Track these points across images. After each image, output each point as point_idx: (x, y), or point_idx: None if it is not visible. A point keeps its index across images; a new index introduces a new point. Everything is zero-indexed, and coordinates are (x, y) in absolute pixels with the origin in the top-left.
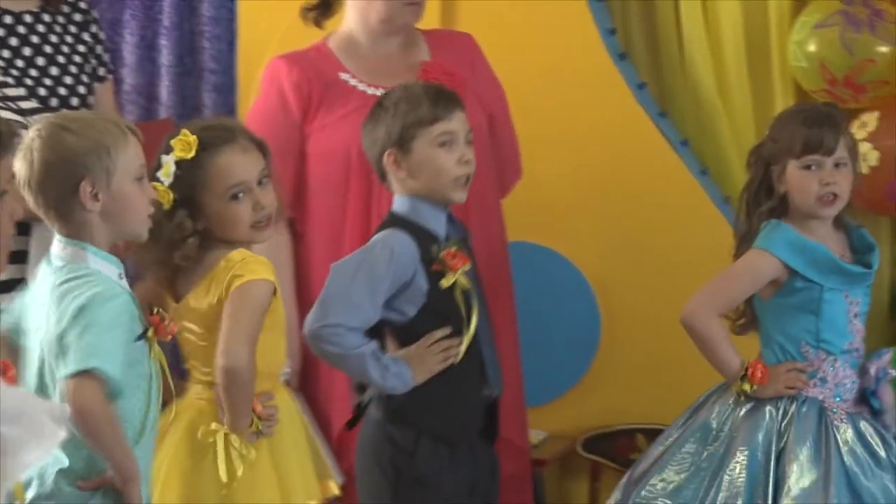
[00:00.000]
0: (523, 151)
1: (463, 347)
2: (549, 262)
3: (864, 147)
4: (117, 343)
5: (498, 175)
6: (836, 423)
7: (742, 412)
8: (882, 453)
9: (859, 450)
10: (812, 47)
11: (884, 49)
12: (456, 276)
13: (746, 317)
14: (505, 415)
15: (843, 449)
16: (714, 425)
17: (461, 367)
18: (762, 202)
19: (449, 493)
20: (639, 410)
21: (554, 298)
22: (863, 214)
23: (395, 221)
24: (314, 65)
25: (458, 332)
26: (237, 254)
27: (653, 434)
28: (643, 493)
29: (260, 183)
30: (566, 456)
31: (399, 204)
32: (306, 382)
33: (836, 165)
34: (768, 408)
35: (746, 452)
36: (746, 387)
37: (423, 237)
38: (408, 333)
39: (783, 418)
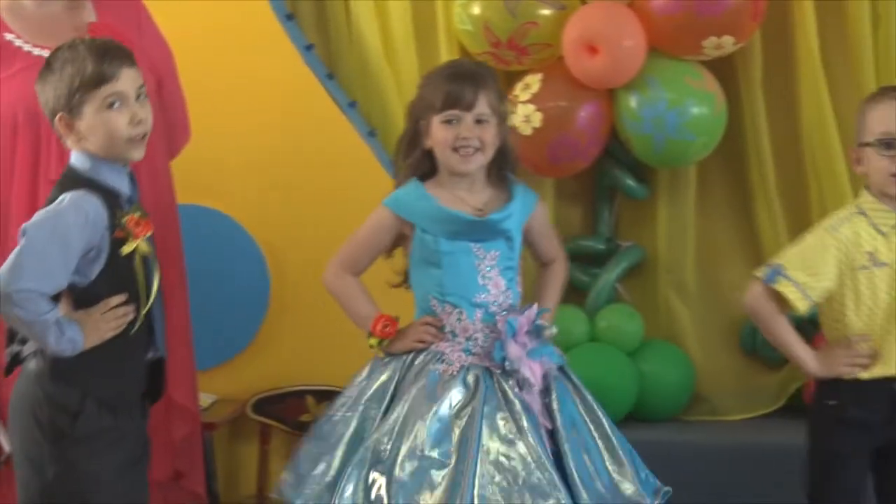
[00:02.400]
0: (191, 113)
1: (141, 316)
2: (218, 225)
3: (528, 109)
4: None
5: (167, 137)
6: (445, 375)
7: (379, 365)
8: (477, 404)
9: (456, 403)
10: (476, 10)
11: (546, 12)
12: (137, 243)
13: (404, 275)
14: (175, 378)
15: (446, 402)
16: (364, 385)
17: (134, 334)
18: (411, 156)
19: (111, 457)
20: (308, 372)
21: (223, 261)
22: (527, 176)
23: (78, 179)
24: None
25: (134, 299)
26: None
27: (322, 395)
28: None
29: None
30: (236, 419)
31: (79, 160)
32: None
33: (478, 122)
34: (394, 364)
35: (360, 410)
36: (373, 341)
37: (109, 198)
38: (85, 295)
39: (406, 372)
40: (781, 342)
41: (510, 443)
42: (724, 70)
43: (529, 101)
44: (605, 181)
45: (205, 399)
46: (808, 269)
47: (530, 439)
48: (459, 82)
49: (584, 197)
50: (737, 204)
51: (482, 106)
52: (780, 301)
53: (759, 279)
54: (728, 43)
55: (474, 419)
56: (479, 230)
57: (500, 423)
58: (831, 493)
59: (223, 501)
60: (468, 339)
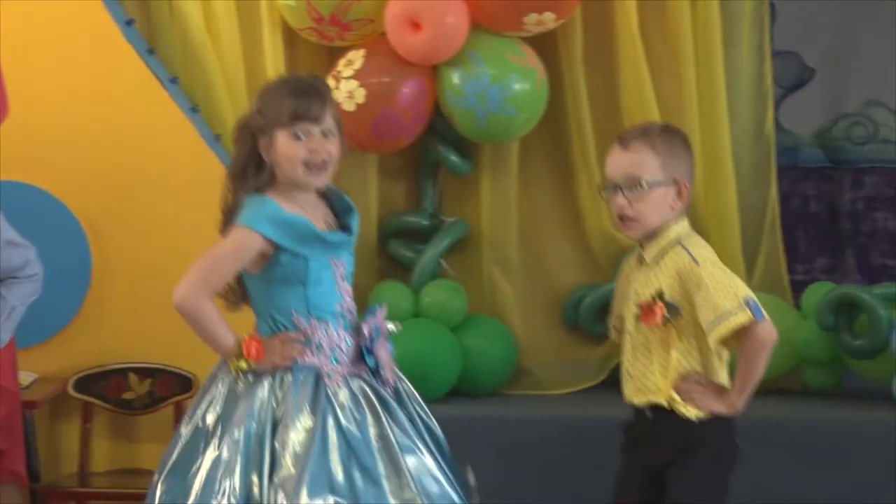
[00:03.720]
0: (10, 90)
1: None
2: (38, 202)
3: (351, 85)
4: None
5: None
6: (332, 387)
7: (241, 387)
8: (375, 408)
9: (352, 409)
10: None
11: None
12: None
13: (237, 293)
14: None
15: (339, 413)
16: (218, 401)
17: None
18: (250, 176)
19: None
20: (131, 349)
21: (44, 238)
22: (351, 153)
23: None
24: None
25: None
26: None
27: (144, 372)
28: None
29: None
30: (57, 397)
31: None
32: None
33: (324, 135)
34: (267, 381)
35: (243, 429)
36: (244, 364)
37: None
38: None
39: (280, 389)
40: None
41: (413, 453)
42: (546, 46)
43: (352, 78)
44: (428, 157)
45: (25, 377)
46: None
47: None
48: (306, 96)
49: (408, 173)
50: (559, 179)
51: (328, 119)
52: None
53: None
54: (549, 19)
55: (389, 440)
56: (339, 247)
57: (400, 436)
58: None
59: (44, 480)
60: (333, 349)
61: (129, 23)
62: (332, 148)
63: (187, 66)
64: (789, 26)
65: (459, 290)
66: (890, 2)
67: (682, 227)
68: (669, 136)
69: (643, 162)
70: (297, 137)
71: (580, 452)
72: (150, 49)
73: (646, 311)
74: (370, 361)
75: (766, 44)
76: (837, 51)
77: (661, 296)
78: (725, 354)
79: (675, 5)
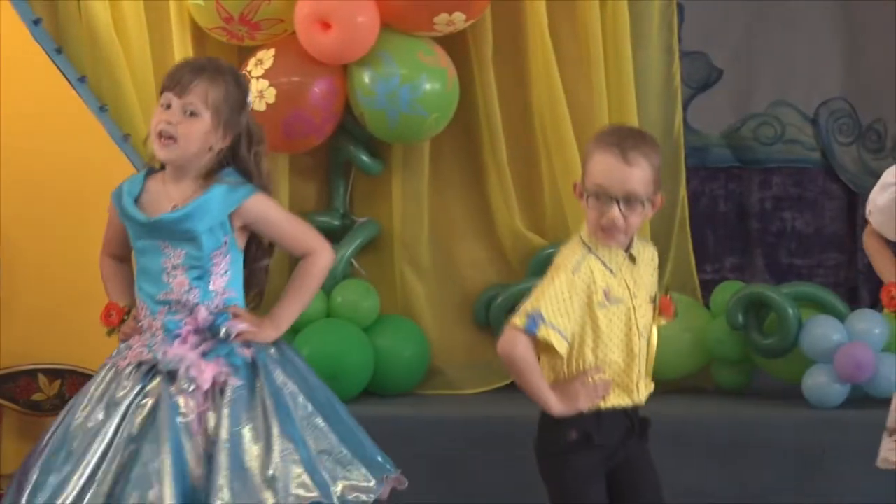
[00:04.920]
0: None
1: None
2: None
3: (262, 84)
4: None
5: None
6: (123, 371)
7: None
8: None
9: (117, 398)
10: None
11: None
12: None
13: None
14: None
15: (99, 400)
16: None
17: None
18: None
19: None
20: (40, 350)
21: None
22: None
23: None
24: None
25: None
26: None
27: (54, 374)
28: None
29: None
30: None
31: None
32: None
33: (185, 111)
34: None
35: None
36: (105, 329)
37: None
38: None
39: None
40: (535, 389)
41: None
42: (457, 46)
43: (262, 77)
44: (339, 157)
45: None
46: (564, 312)
47: (166, 449)
48: (182, 68)
49: (319, 172)
50: (470, 179)
51: (194, 96)
52: (537, 346)
53: (519, 329)
54: (459, 19)
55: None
56: (153, 231)
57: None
58: None
59: None
60: (153, 335)
61: (36, 21)
62: (189, 127)
63: (96, 65)
64: (697, 27)
65: (371, 291)
66: (796, 3)
67: None
68: (655, 146)
69: (644, 179)
70: (162, 107)
71: (492, 452)
72: (58, 48)
73: (666, 305)
74: (155, 354)
75: (674, 44)
76: (745, 51)
77: (666, 288)
78: None
79: (584, 5)
